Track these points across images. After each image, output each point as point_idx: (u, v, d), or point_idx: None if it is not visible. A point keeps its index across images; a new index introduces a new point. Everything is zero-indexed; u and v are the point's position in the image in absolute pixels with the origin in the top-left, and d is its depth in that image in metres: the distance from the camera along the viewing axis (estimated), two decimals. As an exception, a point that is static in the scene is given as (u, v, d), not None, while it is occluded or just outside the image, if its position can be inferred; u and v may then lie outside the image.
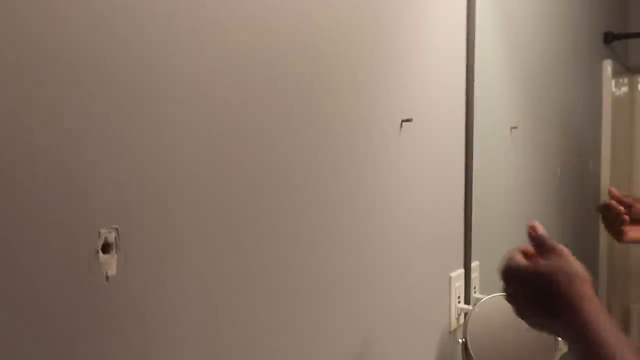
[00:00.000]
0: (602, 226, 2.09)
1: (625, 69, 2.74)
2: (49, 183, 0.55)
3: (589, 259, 2.45)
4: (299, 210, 0.87)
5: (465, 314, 1.34)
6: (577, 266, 0.72)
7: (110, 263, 0.60)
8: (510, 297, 0.77)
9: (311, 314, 0.91)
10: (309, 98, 0.88)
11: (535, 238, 0.77)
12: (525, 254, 0.77)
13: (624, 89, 2.76)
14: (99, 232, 0.59)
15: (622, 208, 1.17)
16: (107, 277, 0.60)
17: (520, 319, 0.75)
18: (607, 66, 2.49)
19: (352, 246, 0.99)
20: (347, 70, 0.96)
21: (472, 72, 1.38)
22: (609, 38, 2.56)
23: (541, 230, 0.77)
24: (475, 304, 1.33)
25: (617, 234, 1.21)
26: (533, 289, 0.73)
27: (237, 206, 0.76)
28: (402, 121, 1.11)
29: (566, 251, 0.74)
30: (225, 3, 0.73)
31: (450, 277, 1.34)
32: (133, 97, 0.62)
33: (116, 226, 0.61)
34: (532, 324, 0.75)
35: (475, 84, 1.38)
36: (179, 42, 0.67)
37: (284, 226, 0.84)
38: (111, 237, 0.60)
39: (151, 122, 0.64)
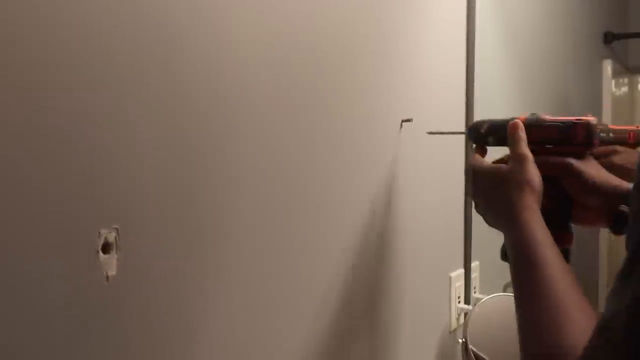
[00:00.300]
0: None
1: (625, 69, 2.74)
2: (49, 183, 0.55)
3: (589, 259, 2.45)
4: (299, 210, 0.87)
5: (465, 314, 1.34)
6: (531, 175, 0.77)
7: (110, 263, 0.60)
8: (472, 194, 0.85)
9: (312, 317, 0.91)
10: (314, 98, 0.88)
11: (511, 137, 0.82)
12: (482, 155, 0.87)
13: (624, 89, 2.76)
14: (99, 232, 0.59)
15: None
16: (107, 277, 0.60)
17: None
18: (607, 66, 2.49)
19: (351, 246, 0.99)
20: (350, 70, 0.96)
21: (472, 72, 1.38)
22: (609, 38, 2.56)
23: (520, 132, 0.82)
24: (475, 304, 1.33)
25: None
26: (488, 190, 0.81)
27: (237, 205, 0.76)
28: (402, 121, 1.11)
29: (528, 159, 0.79)
30: (232, 5, 0.73)
31: (450, 277, 1.35)
32: (133, 97, 0.62)
33: (116, 226, 0.61)
34: (486, 221, 0.83)
35: (475, 84, 1.38)
36: (180, 42, 0.67)
37: (285, 226, 0.84)
38: (111, 237, 0.60)
39: (151, 122, 0.64)
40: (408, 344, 1.18)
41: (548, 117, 0.86)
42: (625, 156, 1.31)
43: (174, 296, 0.68)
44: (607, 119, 2.46)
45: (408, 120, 1.11)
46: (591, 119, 0.84)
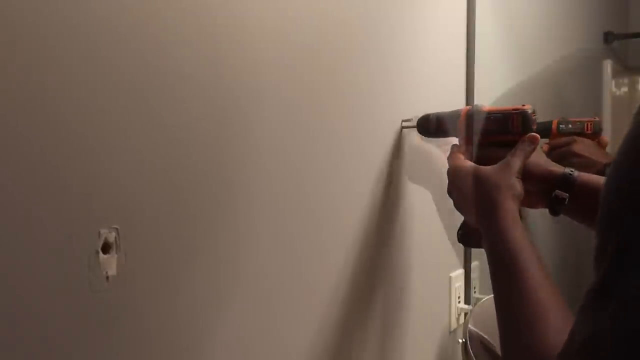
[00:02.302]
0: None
1: (625, 69, 2.74)
2: (49, 183, 0.55)
3: (588, 257, 2.44)
4: (300, 211, 0.87)
5: (465, 314, 1.34)
6: (515, 180, 0.82)
7: (110, 263, 0.60)
8: (450, 192, 0.91)
9: (310, 317, 0.91)
10: (315, 98, 0.88)
11: (523, 145, 0.86)
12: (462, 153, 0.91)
13: (624, 89, 2.76)
14: (99, 232, 0.59)
15: None
16: (107, 277, 0.60)
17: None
18: (607, 66, 2.49)
19: (351, 246, 0.99)
20: (349, 70, 0.96)
21: (472, 72, 1.38)
22: (609, 38, 2.56)
23: (530, 146, 0.87)
24: (475, 304, 1.33)
25: None
26: (468, 188, 0.85)
27: (239, 204, 0.76)
28: (403, 121, 1.11)
29: (517, 169, 0.84)
30: (236, 7, 0.73)
31: (450, 277, 1.35)
32: (134, 97, 0.62)
33: (116, 226, 0.61)
34: (465, 216, 0.90)
35: (475, 83, 1.38)
36: (180, 42, 0.67)
37: (286, 227, 0.84)
38: (111, 237, 0.60)
39: (151, 122, 0.64)
40: (408, 344, 1.18)
41: (487, 108, 0.93)
42: (583, 146, 1.41)
43: (174, 296, 0.68)
44: (607, 119, 2.46)
45: (408, 121, 1.11)
46: (527, 107, 0.89)
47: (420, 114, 1.14)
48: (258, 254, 0.80)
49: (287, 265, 0.85)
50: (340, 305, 0.97)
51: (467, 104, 1.38)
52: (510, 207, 0.79)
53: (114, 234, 0.60)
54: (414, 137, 1.14)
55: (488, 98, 1.44)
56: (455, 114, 0.95)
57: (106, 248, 0.60)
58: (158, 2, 0.65)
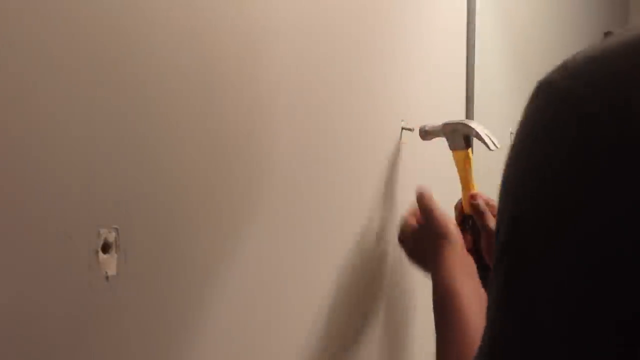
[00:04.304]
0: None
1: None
2: (49, 183, 0.55)
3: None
4: (301, 212, 0.87)
5: (466, 315, 1.34)
6: (446, 230, 0.90)
7: (110, 263, 0.61)
8: (401, 247, 1.00)
9: (310, 317, 0.91)
10: (316, 100, 0.88)
11: (422, 208, 0.94)
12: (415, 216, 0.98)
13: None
14: (99, 232, 0.60)
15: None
16: (107, 277, 0.60)
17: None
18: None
19: (352, 249, 0.99)
20: (349, 73, 0.96)
21: (472, 73, 1.38)
22: (610, 39, 2.55)
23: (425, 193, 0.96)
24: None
25: None
26: (414, 244, 0.96)
27: (236, 205, 0.76)
28: (403, 129, 1.10)
29: (441, 218, 0.91)
30: (238, 9, 0.73)
31: (450, 278, 1.34)
32: (133, 97, 0.63)
33: (116, 226, 0.61)
34: (416, 267, 0.98)
35: (475, 85, 1.38)
36: (181, 42, 0.67)
37: (287, 228, 0.84)
38: (111, 237, 0.60)
39: (151, 122, 0.65)
40: (408, 344, 1.18)
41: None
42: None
43: (173, 296, 0.68)
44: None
45: (409, 129, 1.11)
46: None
47: (420, 115, 1.15)
48: (259, 253, 0.80)
49: (288, 264, 0.85)
50: (342, 307, 0.97)
51: (467, 106, 1.37)
52: (446, 254, 0.86)
53: (113, 233, 0.61)
54: (414, 141, 1.14)
55: (488, 99, 1.44)
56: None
57: (106, 248, 0.60)
58: (168, 3, 0.65)
